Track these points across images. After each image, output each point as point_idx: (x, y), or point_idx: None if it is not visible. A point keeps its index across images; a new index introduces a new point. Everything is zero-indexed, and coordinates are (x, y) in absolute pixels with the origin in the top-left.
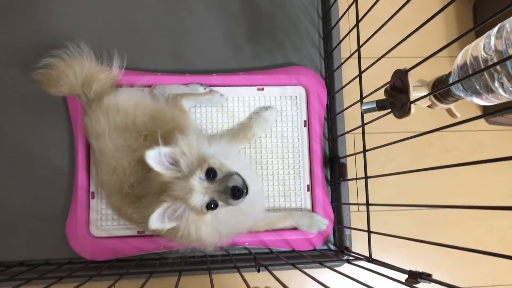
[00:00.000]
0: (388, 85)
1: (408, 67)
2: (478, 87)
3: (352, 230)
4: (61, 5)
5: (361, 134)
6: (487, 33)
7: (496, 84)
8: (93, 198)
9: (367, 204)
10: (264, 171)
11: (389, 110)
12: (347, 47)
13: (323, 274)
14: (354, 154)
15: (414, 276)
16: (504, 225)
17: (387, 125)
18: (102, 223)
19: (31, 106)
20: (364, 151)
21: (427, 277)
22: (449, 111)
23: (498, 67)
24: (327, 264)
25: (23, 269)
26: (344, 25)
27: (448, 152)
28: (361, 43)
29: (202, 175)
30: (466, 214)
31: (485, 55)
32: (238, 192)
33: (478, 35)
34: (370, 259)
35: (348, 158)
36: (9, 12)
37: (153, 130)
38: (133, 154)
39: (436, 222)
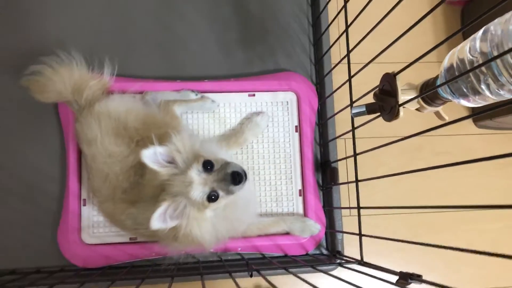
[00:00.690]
0: (377, 89)
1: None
2: (465, 90)
3: (345, 235)
4: (52, 13)
5: (352, 139)
6: (472, 36)
7: (483, 86)
8: (84, 205)
9: (358, 208)
10: (256, 176)
11: (379, 113)
12: (337, 53)
13: (316, 278)
14: (345, 158)
15: (405, 277)
16: (495, 228)
17: (378, 130)
18: (94, 230)
19: (21, 113)
20: (355, 154)
21: (417, 278)
22: (438, 114)
23: (483, 68)
24: (320, 268)
25: (14, 277)
26: (334, 31)
27: (438, 156)
28: (350, 49)
29: (199, 167)
30: (457, 217)
31: (470, 57)
32: (238, 176)
33: (465, 38)
34: (362, 262)
35: (339, 162)
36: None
37: (145, 135)
38: (125, 160)
39: (427, 225)
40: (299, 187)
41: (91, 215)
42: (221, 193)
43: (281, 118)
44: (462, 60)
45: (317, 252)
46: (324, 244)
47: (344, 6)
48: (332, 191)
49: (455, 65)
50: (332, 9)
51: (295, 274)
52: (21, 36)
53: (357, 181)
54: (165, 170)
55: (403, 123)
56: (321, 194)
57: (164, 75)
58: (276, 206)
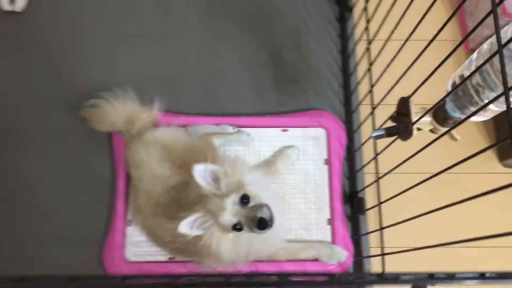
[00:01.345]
0: (394, 112)
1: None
2: (468, 105)
3: (372, 265)
4: (113, 56)
5: (375, 164)
6: (470, 56)
7: (484, 99)
8: (129, 225)
9: (381, 229)
10: (286, 205)
11: (397, 136)
12: (365, 90)
13: None
14: (369, 185)
15: None
16: None
17: (406, 165)
18: (136, 249)
19: (77, 142)
20: (378, 179)
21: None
22: (450, 135)
23: (481, 82)
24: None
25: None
26: (361, 72)
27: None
28: (373, 85)
29: (236, 198)
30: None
31: (468, 73)
32: (263, 223)
33: None
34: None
35: (368, 192)
36: (66, 61)
37: (186, 160)
38: (167, 180)
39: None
40: (328, 216)
41: (135, 234)
42: (245, 227)
43: (311, 152)
44: (461, 77)
45: None
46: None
47: (368, 49)
48: (360, 221)
49: (457, 82)
50: (360, 50)
51: None
52: (82, 76)
53: (379, 203)
54: (208, 188)
55: (431, 160)
56: (350, 225)
57: (205, 112)
58: (305, 234)
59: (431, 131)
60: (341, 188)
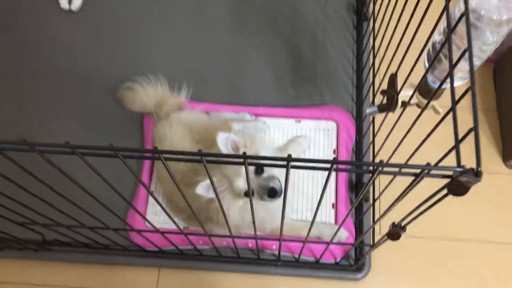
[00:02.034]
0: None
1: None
2: (445, 73)
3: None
4: (150, 47)
5: (372, 146)
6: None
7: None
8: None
9: (373, 199)
10: (296, 187)
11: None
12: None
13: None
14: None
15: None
16: None
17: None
18: (156, 218)
19: (112, 120)
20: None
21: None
22: (433, 108)
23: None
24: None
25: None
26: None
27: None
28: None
29: (253, 167)
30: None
31: (436, 39)
32: (273, 192)
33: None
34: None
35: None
36: (111, 52)
37: (205, 137)
38: None
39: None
40: (333, 201)
41: (156, 203)
42: (256, 195)
43: (321, 142)
44: (433, 45)
45: (346, 263)
46: (353, 256)
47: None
48: (363, 208)
49: (430, 50)
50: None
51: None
52: (124, 62)
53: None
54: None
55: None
56: (354, 212)
57: (227, 101)
58: (311, 215)
59: (418, 106)
60: (347, 176)
